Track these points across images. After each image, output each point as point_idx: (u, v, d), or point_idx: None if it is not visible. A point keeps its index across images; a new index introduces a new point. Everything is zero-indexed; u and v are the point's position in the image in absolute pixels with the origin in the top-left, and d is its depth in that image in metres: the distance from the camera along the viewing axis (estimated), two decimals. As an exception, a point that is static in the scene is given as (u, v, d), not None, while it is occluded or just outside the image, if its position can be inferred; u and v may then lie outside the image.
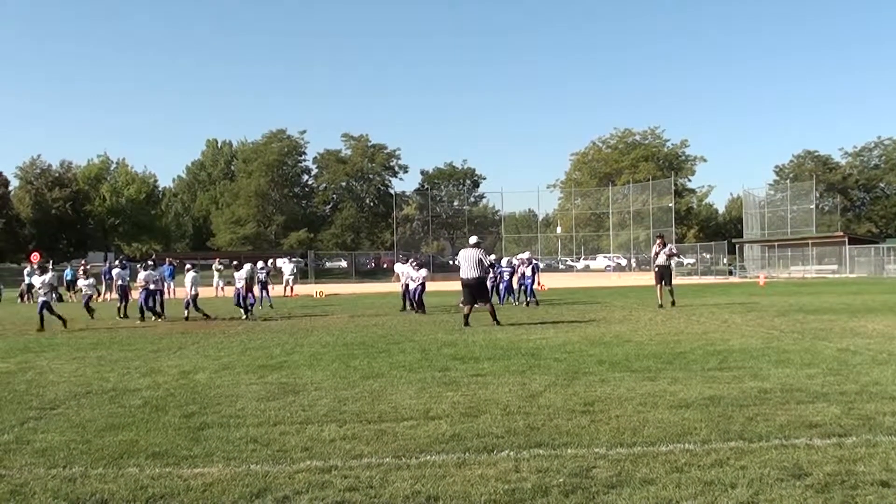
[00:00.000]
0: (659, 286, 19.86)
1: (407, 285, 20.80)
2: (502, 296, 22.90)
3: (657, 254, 20.16)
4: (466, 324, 15.10)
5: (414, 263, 21.27)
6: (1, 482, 4.88)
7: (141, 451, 5.54)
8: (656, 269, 20.44)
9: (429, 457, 5.24)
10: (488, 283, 18.82)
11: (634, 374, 8.52)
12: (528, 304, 22.03)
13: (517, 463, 5.04)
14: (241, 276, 19.91)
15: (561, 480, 4.63)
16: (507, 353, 10.74)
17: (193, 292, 19.38)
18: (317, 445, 5.64)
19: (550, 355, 10.31)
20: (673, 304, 19.50)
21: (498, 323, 15.20)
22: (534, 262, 23.79)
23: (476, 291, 15.72)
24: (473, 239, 16.33)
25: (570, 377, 8.41)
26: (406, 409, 6.87)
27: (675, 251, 21.00)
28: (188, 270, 19.87)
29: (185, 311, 19.38)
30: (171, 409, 7.11)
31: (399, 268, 22.03)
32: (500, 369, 9.13)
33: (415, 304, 20.04)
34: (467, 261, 15.69)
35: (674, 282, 20.54)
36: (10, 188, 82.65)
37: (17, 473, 5.07)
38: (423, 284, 20.28)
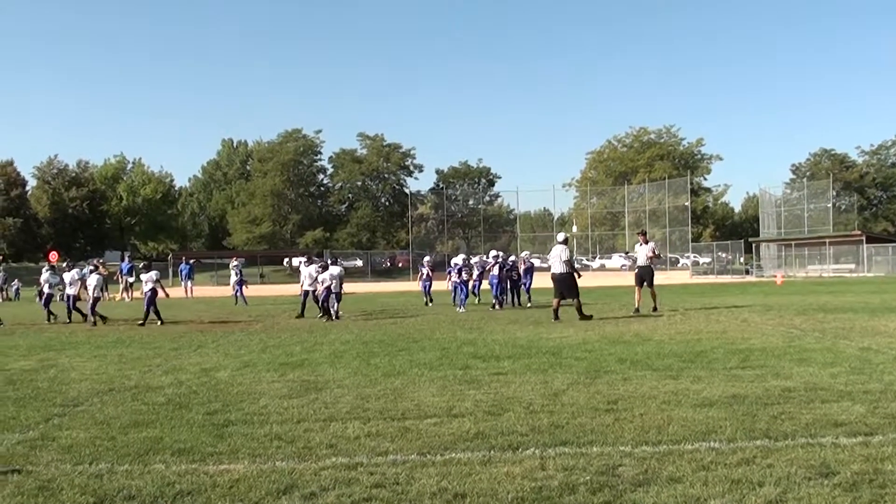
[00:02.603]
0: (638, 289, 18.07)
1: (307, 291, 19.00)
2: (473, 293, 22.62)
3: (641, 256, 18.34)
4: (556, 318, 15.66)
5: (320, 265, 18.89)
6: (28, 478, 4.91)
7: (166, 448, 5.56)
8: (636, 269, 18.82)
9: (454, 454, 5.24)
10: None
11: (656, 373, 8.48)
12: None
13: (543, 461, 5.03)
14: (149, 278, 17.62)
15: (588, 478, 4.62)
16: (527, 351, 10.73)
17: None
18: (341, 442, 5.65)
19: (571, 354, 10.28)
20: (655, 308, 17.61)
21: (584, 317, 15.56)
22: (497, 261, 21.53)
23: (562, 286, 16.12)
24: (561, 236, 16.90)
25: (591, 375, 8.39)
26: (429, 406, 6.87)
27: (657, 251, 19.09)
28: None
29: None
30: (195, 406, 7.14)
31: (304, 270, 19.80)
32: (522, 368, 9.12)
33: (321, 309, 17.90)
34: (555, 257, 16.33)
35: (691, 280, 20.07)
36: (28, 188, 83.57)
37: (43, 470, 5.10)
38: (328, 289, 17.50)
